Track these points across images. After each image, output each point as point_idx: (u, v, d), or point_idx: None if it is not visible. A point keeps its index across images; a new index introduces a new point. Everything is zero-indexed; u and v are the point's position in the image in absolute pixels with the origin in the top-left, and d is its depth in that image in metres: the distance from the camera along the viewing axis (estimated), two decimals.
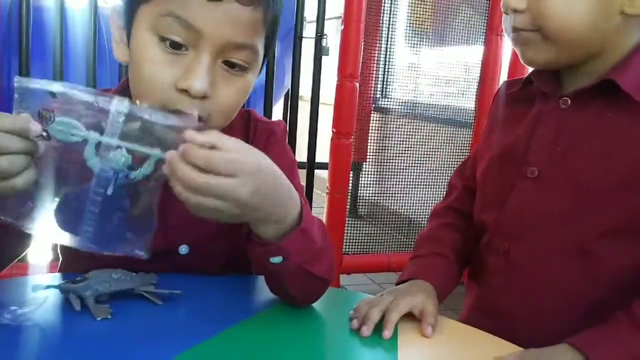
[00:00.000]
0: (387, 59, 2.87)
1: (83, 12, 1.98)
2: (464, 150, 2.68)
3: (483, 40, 2.59)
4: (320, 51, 2.27)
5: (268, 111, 2.21)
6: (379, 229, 2.71)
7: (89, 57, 1.95)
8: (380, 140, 2.73)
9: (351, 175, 2.46)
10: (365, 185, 2.81)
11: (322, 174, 2.44)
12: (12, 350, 0.60)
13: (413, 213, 2.69)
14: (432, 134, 2.68)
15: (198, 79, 0.67)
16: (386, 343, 0.71)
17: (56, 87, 0.58)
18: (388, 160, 2.71)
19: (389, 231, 2.69)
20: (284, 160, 0.89)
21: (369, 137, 2.68)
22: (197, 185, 0.57)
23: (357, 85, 2.25)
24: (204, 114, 0.70)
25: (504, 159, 0.90)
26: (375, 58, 2.75)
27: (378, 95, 2.93)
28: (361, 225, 2.68)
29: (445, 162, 2.67)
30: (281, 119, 2.50)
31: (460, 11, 2.60)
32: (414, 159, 2.67)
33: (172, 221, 0.79)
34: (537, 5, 0.79)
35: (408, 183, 2.69)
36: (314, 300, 0.78)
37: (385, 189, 2.72)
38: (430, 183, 2.68)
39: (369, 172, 2.78)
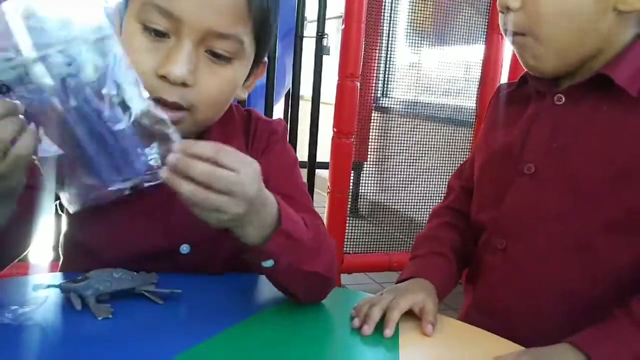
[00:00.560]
0: (388, 59, 2.87)
1: None
2: (465, 150, 2.68)
3: (484, 40, 2.59)
4: (321, 50, 2.27)
5: (269, 111, 2.21)
6: (379, 228, 2.71)
7: None
8: (381, 139, 2.72)
9: (352, 174, 2.46)
10: (366, 185, 2.81)
11: (323, 174, 2.44)
12: (13, 349, 0.60)
13: (414, 212, 2.69)
14: (433, 134, 2.68)
15: (176, 65, 0.67)
16: (387, 342, 0.71)
17: None
18: (389, 160, 2.71)
19: (390, 230, 2.69)
20: (286, 159, 0.89)
21: (370, 137, 2.68)
22: (206, 175, 0.56)
23: (358, 84, 2.25)
24: (186, 103, 0.70)
25: (501, 158, 0.91)
26: (376, 57, 2.75)
27: (379, 95, 2.93)
28: (362, 225, 2.68)
29: (446, 162, 2.67)
30: (282, 118, 2.49)
31: (461, 10, 2.60)
32: (414, 158, 2.67)
33: (173, 220, 0.80)
34: (532, 3, 0.79)
35: (409, 182, 2.69)
36: (319, 297, 0.78)
37: (386, 188, 2.72)
38: (431, 182, 2.68)
39: (370, 172, 2.78)
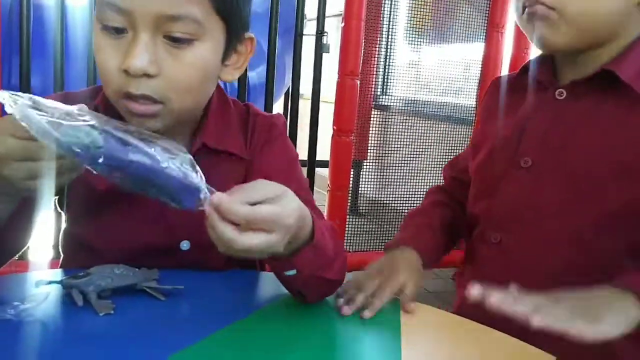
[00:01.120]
0: (388, 57, 2.86)
1: (83, 9, 1.98)
2: (464, 148, 2.67)
3: (484, 38, 2.59)
4: (320, 48, 2.27)
5: (268, 109, 2.21)
6: (379, 226, 2.71)
7: (90, 54, 1.95)
8: (381, 137, 2.72)
9: (352, 172, 2.46)
10: (366, 183, 2.81)
11: (322, 172, 2.44)
12: (15, 345, 0.60)
13: None
14: (433, 132, 2.68)
15: (135, 57, 0.66)
16: (389, 341, 0.70)
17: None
18: (389, 158, 2.71)
19: (390, 228, 2.69)
20: (287, 155, 0.89)
21: (370, 135, 2.68)
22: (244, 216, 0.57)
23: (358, 82, 2.25)
24: (158, 95, 0.69)
25: (497, 150, 0.91)
26: (376, 55, 2.75)
27: (379, 93, 2.93)
28: (362, 223, 2.68)
29: (446, 160, 2.67)
30: (281, 113, 2.49)
31: (461, 8, 2.60)
32: (414, 156, 2.67)
33: (173, 217, 0.79)
34: None
35: (409, 180, 2.69)
36: (324, 297, 0.79)
37: (386, 186, 2.72)
38: (430, 180, 2.68)
39: (370, 170, 2.78)
